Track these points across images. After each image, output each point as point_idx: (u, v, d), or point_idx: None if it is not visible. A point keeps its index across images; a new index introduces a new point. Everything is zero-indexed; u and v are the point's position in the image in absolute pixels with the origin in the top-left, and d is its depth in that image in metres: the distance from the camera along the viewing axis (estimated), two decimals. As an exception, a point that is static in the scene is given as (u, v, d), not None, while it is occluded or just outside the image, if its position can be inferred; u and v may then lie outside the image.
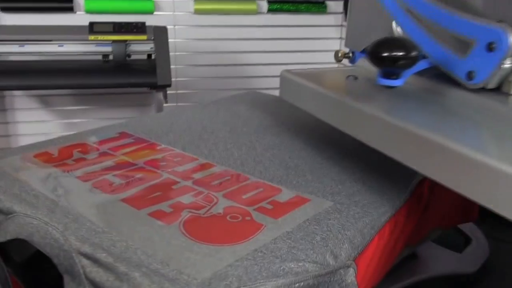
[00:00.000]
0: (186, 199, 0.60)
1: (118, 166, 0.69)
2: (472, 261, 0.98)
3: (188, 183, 0.65)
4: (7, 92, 1.90)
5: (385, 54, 0.63)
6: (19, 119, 1.97)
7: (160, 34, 1.59)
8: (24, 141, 2.12)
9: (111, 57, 1.54)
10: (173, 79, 2.00)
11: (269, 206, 0.60)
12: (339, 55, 0.97)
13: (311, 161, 0.73)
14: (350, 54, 0.96)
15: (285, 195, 0.63)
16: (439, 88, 0.68)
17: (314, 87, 0.74)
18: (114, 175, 0.66)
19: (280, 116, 0.94)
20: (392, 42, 0.65)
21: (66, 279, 0.52)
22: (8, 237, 0.58)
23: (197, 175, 0.67)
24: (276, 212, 0.58)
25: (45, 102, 1.96)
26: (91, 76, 1.51)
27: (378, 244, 0.60)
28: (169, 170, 0.68)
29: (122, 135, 0.81)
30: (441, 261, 0.94)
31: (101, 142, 0.77)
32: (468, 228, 1.07)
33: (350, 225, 0.56)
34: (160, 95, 1.61)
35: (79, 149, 0.74)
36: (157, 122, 0.87)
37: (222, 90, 2.04)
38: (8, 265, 0.65)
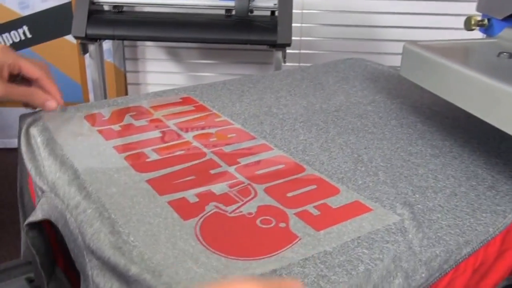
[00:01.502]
0: (219, 188, 0.51)
1: (162, 138, 0.61)
2: None
3: (231, 168, 0.55)
4: (139, 42, 1.96)
5: None
6: (148, 69, 2.03)
7: (284, -11, 1.49)
8: (152, 91, 2.19)
9: (233, 12, 1.50)
10: (297, 38, 1.89)
11: (315, 212, 0.47)
12: (472, 22, 0.79)
13: (392, 155, 0.59)
14: (485, 22, 0.78)
15: (342, 198, 0.50)
16: None
17: (456, 67, 0.57)
18: (153, 150, 0.58)
19: (375, 92, 0.78)
20: None
21: (81, 277, 0.46)
22: (41, 217, 0.54)
23: (244, 160, 0.57)
24: (322, 221, 0.46)
25: (174, 54, 1.99)
26: (212, 31, 1.49)
27: (452, 281, 0.45)
28: (216, 149, 0.59)
29: (185, 100, 0.73)
30: None
31: (158, 107, 0.70)
32: None
33: (411, 254, 0.42)
34: (279, 54, 1.53)
35: (133, 113, 0.68)
36: (230, 88, 0.78)
37: (348, 52, 1.88)
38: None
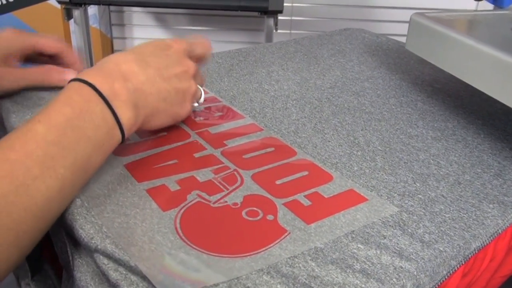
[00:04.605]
0: (203, 174, 0.47)
1: (144, 117, 0.56)
2: None
3: (216, 152, 0.50)
4: (126, 8, 1.89)
5: None
6: (136, 35, 1.96)
7: (277, -48, 1.42)
8: (140, 57, 2.12)
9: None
10: (288, 4, 1.82)
11: (306, 202, 0.44)
12: (481, -7, 0.74)
13: (391, 138, 0.55)
14: (496, -7, 0.73)
15: (335, 186, 0.46)
16: None
17: (468, 41, 0.52)
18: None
19: (373, 67, 0.73)
20: None
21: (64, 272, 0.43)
22: None
23: (231, 142, 0.52)
24: (313, 212, 0.42)
25: (162, 20, 1.92)
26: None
27: (462, 279, 0.42)
28: (202, 130, 0.54)
29: (170, 74, 0.68)
30: None
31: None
32: None
33: (412, 252, 0.39)
34: (271, 21, 1.47)
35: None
36: (218, 61, 0.73)
37: (342, 19, 1.81)
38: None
